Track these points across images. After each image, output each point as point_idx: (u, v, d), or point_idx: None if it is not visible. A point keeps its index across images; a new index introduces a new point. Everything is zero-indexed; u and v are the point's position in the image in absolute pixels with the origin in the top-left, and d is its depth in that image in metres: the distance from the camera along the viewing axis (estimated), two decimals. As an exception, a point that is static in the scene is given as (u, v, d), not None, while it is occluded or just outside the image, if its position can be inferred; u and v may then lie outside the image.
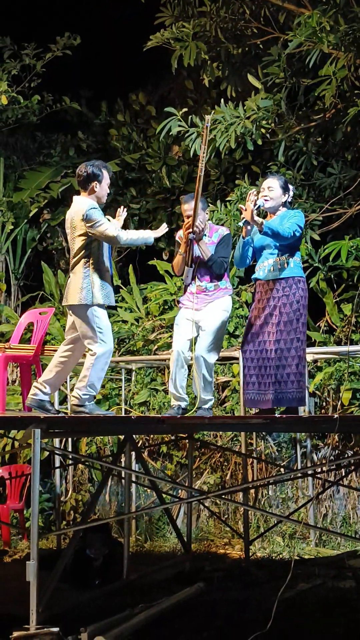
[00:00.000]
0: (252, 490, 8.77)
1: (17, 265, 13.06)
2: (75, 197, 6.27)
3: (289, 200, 6.50)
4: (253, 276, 6.52)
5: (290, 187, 6.52)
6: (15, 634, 5.02)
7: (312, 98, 10.24)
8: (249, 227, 6.33)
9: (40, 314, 7.72)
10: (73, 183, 12.72)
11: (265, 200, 6.40)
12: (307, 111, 10.41)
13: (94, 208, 6.05)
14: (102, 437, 9.71)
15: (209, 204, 9.59)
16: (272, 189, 6.40)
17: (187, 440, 8.43)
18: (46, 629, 5.05)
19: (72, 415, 6.11)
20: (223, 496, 7.75)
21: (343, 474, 8.63)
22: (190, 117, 9.53)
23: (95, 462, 9.02)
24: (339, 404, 8.83)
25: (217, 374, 9.33)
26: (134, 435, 7.18)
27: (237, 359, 8.34)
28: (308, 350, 8.86)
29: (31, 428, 5.36)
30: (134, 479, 8.55)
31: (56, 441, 8.86)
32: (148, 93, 13.80)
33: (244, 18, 10.19)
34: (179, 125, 9.47)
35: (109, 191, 6.27)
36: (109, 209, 6.40)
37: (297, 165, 10.31)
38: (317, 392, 9.12)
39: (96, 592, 6.44)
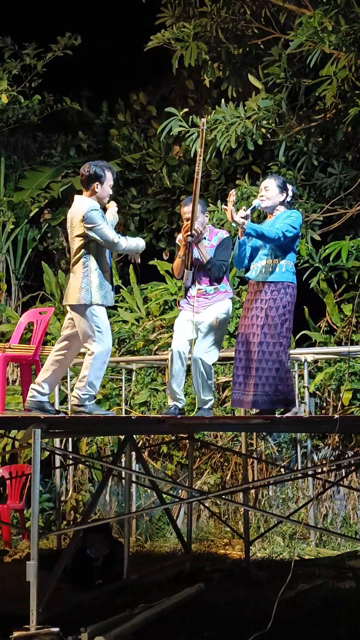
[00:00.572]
0: (253, 491, 8.77)
1: (18, 265, 13.07)
2: (76, 197, 6.26)
3: (289, 200, 6.47)
4: (245, 275, 6.52)
5: (290, 187, 6.49)
6: (16, 633, 5.02)
7: (312, 98, 10.25)
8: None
9: (40, 313, 7.71)
10: (74, 183, 12.73)
11: (262, 200, 6.40)
12: (308, 111, 10.41)
13: (94, 210, 6.03)
14: (102, 437, 9.71)
15: (209, 204, 9.59)
16: (268, 189, 6.40)
17: (187, 441, 8.43)
18: (46, 629, 5.04)
19: (73, 415, 6.10)
20: (223, 496, 7.74)
21: (343, 474, 8.62)
22: (190, 117, 9.53)
23: (96, 462, 9.02)
24: (340, 404, 8.83)
25: (217, 374, 9.33)
26: (134, 436, 7.18)
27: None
28: (308, 350, 8.91)
29: (31, 428, 5.36)
30: (134, 479, 8.55)
31: (56, 441, 8.86)
32: (149, 93, 13.80)
33: (244, 18, 10.19)
34: (180, 126, 9.47)
35: (111, 192, 6.26)
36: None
37: (297, 165, 10.31)
38: (317, 392, 9.12)
39: (96, 592, 6.44)
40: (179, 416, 6.53)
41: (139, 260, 6.42)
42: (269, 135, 9.86)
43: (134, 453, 7.64)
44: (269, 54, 9.83)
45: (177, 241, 6.80)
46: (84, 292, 5.98)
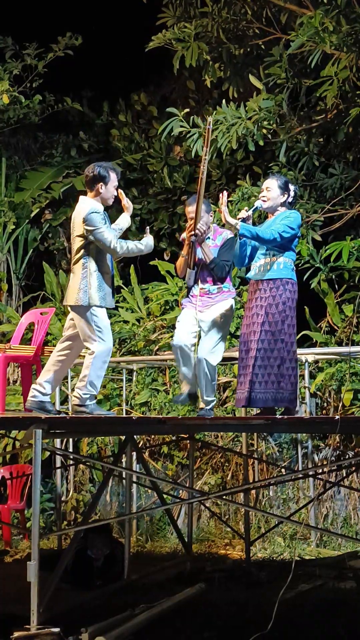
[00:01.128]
0: (253, 491, 8.77)
1: (19, 266, 13.08)
2: (80, 197, 6.27)
3: (290, 200, 6.47)
4: (246, 275, 6.52)
5: (292, 187, 6.49)
6: (16, 634, 5.02)
7: (313, 99, 10.25)
8: None
9: (41, 314, 7.72)
10: (75, 183, 12.75)
11: (263, 200, 6.40)
12: (309, 112, 10.42)
13: (95, 212, 6.03)
14: (103, 437, 9.71)
15: (211, 205, 9.59)
16: (269, 189, 6.40)
17: (188, 441, 8.43)
18: (47, 629, 5.05)
19: (74, 415, 6.11)
20: (224, 497, 7.74)
21: (344, 474, 8.62)
22: (192, 117, 9.54)
23: (96, 463, 9.02)
24: (340, 404, 8.83)
25: (218, 375, 9.32)
26: (135, 436, 7.18)
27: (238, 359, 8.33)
28: (309, 350, 8.89)
29: (32, 428, 5.36)
30: (134, 479, 8.54)
31: (57, 441, 8.86)
32: (150, 93, 13.82)
33: (245, 18, 10.19)
34: (181, 126, 9.47)
35: (115, 193, 6.26)
36: (110, 209, 6.38)
37: (298, 165, 10.31)
38: (318, 392, 9.12)
39: (97, 592, 6.44)
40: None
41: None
42: (269, 136, 9.86)
43: (134, 453, 7.64)
44: (270, 54, 9.83)
45: (180, 240, 6.80)
46: (82, 294, 5.99)
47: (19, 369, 9.76)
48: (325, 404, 9.18)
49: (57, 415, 6.22)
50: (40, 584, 5.16)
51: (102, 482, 7.49)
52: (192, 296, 6.62)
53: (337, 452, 8.86)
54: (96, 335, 6.00)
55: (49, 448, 6.69)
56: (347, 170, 10.38)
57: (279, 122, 9.91)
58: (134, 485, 9.02)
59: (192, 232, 6.41)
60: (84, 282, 6.01)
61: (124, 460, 7.24)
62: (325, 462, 8.74)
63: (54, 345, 6.59)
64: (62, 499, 9.38)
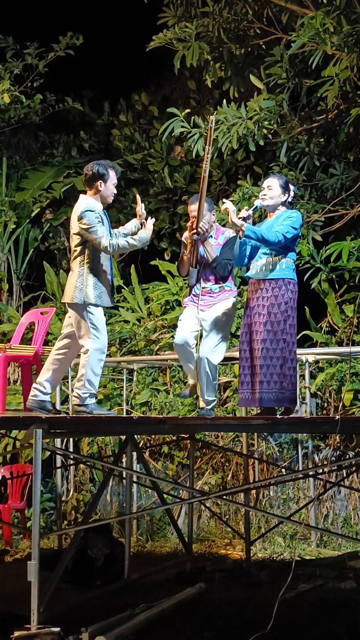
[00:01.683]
0: (253, 491, 8.77)
1: (19, 265, 13.08)
2: (80, 195, 6.29)
3: (290, 200, 6.48)
4: (246, 274, 6.52)
5: (292, 187, 6.50)
6: (17, 633, 5.02)
7: (314, 99, 10.25)
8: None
9: (41, 313, 7.72)
10: (75, 183, 12.75)
11: (263, 199, 6.40)
12: (310, 112, 10.42)
13: (89, 210, 6.03)
14: (103, 437, 9.72)
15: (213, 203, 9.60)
16: (271, 188, 6.40)
17: (188, 441, 8.43)
18: (47, 629, 5.05)
19: (74, 415, 6.11)
20: (224, 497, 7.74)
21: (344, 474, 8.62)
22: (192, 118, 9.54)
23: (97, 462, 9.02)
24: (341, 405, 8.83)
25: (218, 374, 9.32)
26: (135, 436, 7.18)
27: (238, 359, 8.33)
28: (309, 351, 8.89)
29: (33, 428, 5.36)
30: (135, 479, 8.55)
31: (57, 441, 8.86)
32: (151, 93, 13.82)
33: (246, 18, 10.20)
34: (182, 126, 9.48)
35: (115, 191, 6.26)
36: (111, 209, 6.39)
37: (299, 166, 10.31)
38: (318, 393, 9.12)
39: (97, 592, 6.44)
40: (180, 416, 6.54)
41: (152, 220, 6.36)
42: (270, 136, 9.87)
43: (134, 453, 7.64)
44: (270, 54, 9.84)
45: (183, 239, 6.80)
46: (78, 292, 6.00)
47: (19, 368, 9.76)
48: (325, 404, 9.18)
49: (58, 415, 6.22)
50: (41, 583, 5.16)
51: (102, 482, 7.49)
52: (194, 295, 6.62)
53: (338, 452, 8.86)
54: (90, 333, 6.01)
55: (49, 448, 6.70)
56: (347, 171, 10.38)
57: (279, 122, 9.91)
58: (134, 485, 9.02)
59: (195, 231, 6.41)
60: (80, 280, 6.02)
61: (124, 460, 7.24)
62: (325, 462, 8.74)
63: (54, 345, 6.59)
64: (63, 498, 9.38)
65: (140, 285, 11.31)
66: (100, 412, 6.14)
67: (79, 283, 6.01)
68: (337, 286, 10.14)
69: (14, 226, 12.70)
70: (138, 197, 6.33)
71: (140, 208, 6.36)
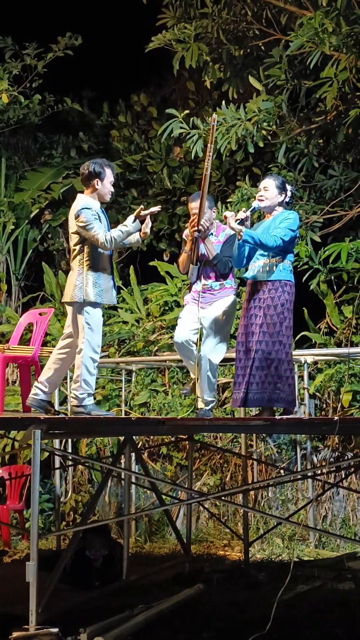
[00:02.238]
0: (252, 492, 8.77)
1: (18, 266, 13.07)
2: (77, 195, 6.30)
3: (287, 200, 6.49)
4: (244, 275, 6.53)
5: (289, 187, 6.51)
6: (15, 634, 5.02)
7: (313, 100, 10.25)
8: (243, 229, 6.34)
9: (40, 314, 7.72)
10: (74, 184, 12.74)
11: (260, 200, 6.41)
12: (309, 113, 10.42)
13: (86, 208, 6.05)
14: (102, 438, 9.71)
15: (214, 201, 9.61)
16: (267, 189, 6.41)
17: (187, 442, 8.43)
18: (46, 630, 5.05)
19: (72, 416, 6.11)
20: (223, 498, 7.74)
21: (343, 475, 8.63)
22: (191, 119, 9.54)
23: (95, 463, 9.01)
24: (339, 405, 8.84)
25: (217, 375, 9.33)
26: (134, 437, 7.18)
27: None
28: (308, 352, 8.90)
29: (31, 429, 5.36)
30: (133, 480, 8.54)
31: (56, 442, 8.86)
32: (150, 94, 13.83)
33: (245, 20, 10.20)
34: (181, 127, 9.48)
35: (112, 189, 6.28)
36: (110, 209, 6.39)
37: (298, 167, 10.31)
38: (317, 394, 9.12)
39: (96, 593, 6.43)
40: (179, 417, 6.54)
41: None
42: (269, 137, 9.87)
43: (133, 454, 7.63)
44: (269, 55, 9.84)
45: (184, 236, 6.80)
46: (78, 290, 6.02)
47: (18, 369, 9.76)
48: (324, 405, 9.18)
49: (56, 416, 6.22)
50: (39, 584, 5.15)
51: (101, 483, 7.49)
52: (194, 292, 6.62)
53: (336, 453, 8.86)
54: (85, 333, 6.02)
55: (47, 448, 6.69)
56: (346, 172, 10.38)
57: (278, 123, 9.92)
58: (133, 486, 9.02)
59: (195, 228, 6.41)
60: (80, 279, 6.03)
61: (122, 461, 7.23)
62: (324, 463, 8.74)
63: (53, 346, 6.61)
64: (61, 499, 9.37)
65: (139, 286, 11.31)
66: (99, 412, 6.14)
67: (79, 281, 6.03)
68: (335, 287, 10.14)
69: (13, 227, 12.70)
70: (141, 208, 6.36)
71: (142, 211, 6.38)
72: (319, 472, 8.52)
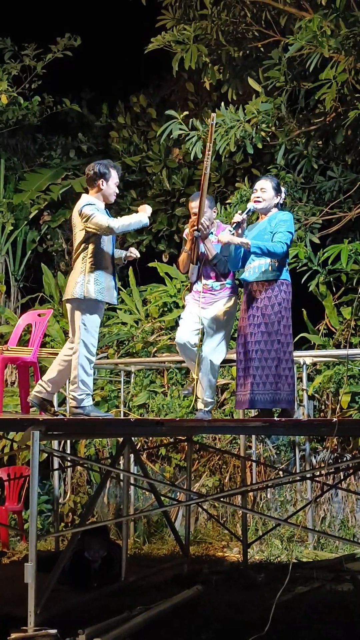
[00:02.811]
0: (251, 493, 8.77)
1: (17, 267, 13.07)
2: (82, 195, 6.33)
3: (281, 202, 6.51)
4: (241, 277, 6.54)
5: (283, 189, 6.54)
6: (14, 635, 5.02)
7: (312, 101, 10.25)
8: (239, 231, 6.35)
9: (39, 315, 7.72)
10: (73, 185, 12.75)
11: (257, 201, 6.42)
12: (308, 114, 10.42)
13: (89, 204, 6.09)
14: (100, 439, 9.71)
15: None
16: (264, 190, 6.42)
17: (186, 443, 8.43)
18: (44, 631, 5.04)
19: (71, 417, 6.11)
20: (221, 499, 7.74)
21: (341, 477, 8.63)
22: (191, 120, 9.54)
23: (94, 464, 9.02)
24: (338, 407, 8.84)
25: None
26: (132, 438, 7.18)
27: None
28: (307, 353, 8.90)
29: (30, 430, 5.36)
30: (132, 481, 8.55)
31: (55, 443, 8.86)
32: (149, 95, 13.83)
33: (245, 21, 10.20)
34: (180, 129, 9.48)
35: (117, 190, 6.30)
36: (109, 210, 6.39)
37: (297, 168, 10.31)
38: (316, 395, 9.12)
39: (94, 594, 6.43)
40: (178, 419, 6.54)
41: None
42: (268, 139, 9.87)
43: (132, 455, 7.64)
44: (269, 57, 9.84)
45: (184, 235, 6.80)
46: (79, 287, 6.04)
47: (17, 370, 9.76)
48: (323, 407, 9.19)
49: (55, 417, 6.23)
50: (38, 585, 5.15)
51: (99, 484, 7.49)
52: (195, 292, 6.62)
53: (335, 454, 8.86)
54: (81, 332, 6.04)
55: (46, 450, 6.69)
56: (345, 173, 10.39)
57: (277, 124, 9.92)
58: (132, 487, 9.02)
59: (195, 227, 6.41)
60: (82, 276, 6.06)
61: (121, 462, 7.24)
62: (322, 465, 8.75)
63: (52, 347, 6.62)
64: (60, 500, 9.37)
65: (138, 287, 11.31)
66: (98, 414, 6.15)
67: (80, 279, 6.06)
68: (334, 289, 10.15)
69: (12, 228, 12.70)
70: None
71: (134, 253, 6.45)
72: (318, 473, 8.52)
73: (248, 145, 9.51)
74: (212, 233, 6.59)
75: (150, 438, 9.57)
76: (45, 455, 9.05)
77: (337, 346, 9.50)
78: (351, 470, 8.49)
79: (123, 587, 6.65)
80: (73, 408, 6.07)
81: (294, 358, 8.46)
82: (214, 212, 6.69)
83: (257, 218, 6.57)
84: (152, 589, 6.58)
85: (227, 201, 10.24)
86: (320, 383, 9.00)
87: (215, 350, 6.45)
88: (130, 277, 11.35)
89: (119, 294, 6.44)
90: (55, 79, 13.15)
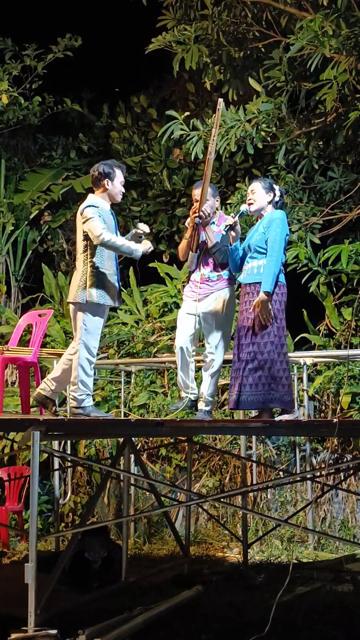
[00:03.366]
0: (251, 494, 8.77)
1: (18, 267, 13.07)
2: (88, 195, 6.34)
3: (277, 200, 6.49)
4: (237, 279, 6.54)
5: (276, 187, 6.53)
6: (14, 635, 5.02)
7: (313, 102, 10.24)
8: (233, 234, 6.35)
9: (39, 315, 7.72)
10: (74, 185, 12.74)
11: (250, 204, 6.43)
12: (308, 115, 10.41)
13: (92, 206, 6.09)
14: (101, 439, 9.71)
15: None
16: (254, 191, 6.44)
17: (186, 443, 8.42)
18: (44, 631, 5.04)
19: (71, 417, 6.12)
20: (222, 499, 7.74)
21: (342, 477, 8.63)
22: (191, 120, 9.54)
23: (94, 465, 9.01)
24: (339, 407, 8.84)
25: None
26: (133, 438, 7.18)
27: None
28: (307, 353, 8.90)
29: (30, 430, 5.36)
30: (132, 481, 8.54)
31: (55, 443, 8.86)
32: (149, 96, 13.83)
33: (245, 21, 10.19)
34: (180, 129, 9.48)
35: (122, 190, 6.30)
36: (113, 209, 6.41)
37: (297, 168, 10.31)
38: (316, 395, 9.12)
39: (94, 594, 6.43)
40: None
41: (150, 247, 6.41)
42: (269, 139, 9.86)
43: (132, 456, 7.64)
44: (269, 57, 9.84)
45: (185, 223, 6.78)
46: (81, 290, 6.05)
47: (17, 370, 9.76)
48: (323, 407, 9.18)
49: (55, 417, 6.23)
50: (38, 585, 5.15)
51: (99, 484, 7.50)
52: (192, 283, 6.60)
53: (335, 455, 8.86)
54: (81, 334, 6.04)
55: (46, 450, 6.70)
56: (346, 174, 10.38)
57: (278, 125, 9.91)
58: (132, 487, 9.01)
59: (197, 214, 6.39)
60: (83, 279, 6.07)
61: (121, 462, 7.23)
62: (323, 465, 8.74)
63: (53, 347, 6.63)
64: (60, 501, 9.36)
65: (139, 288, 11.31)
66: (98, 414, 6.15)
67: (82, 282, 6.06)
68: (335, 289, 10.14)
69: (12, 228, 12.69)
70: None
71: (143, 228, 6.41)
72: (318, 474, 8.52)
73: (248, 146, 9.51)
74: (213, 222, 6.57)
75: (151, 438, 9.56)
76: (46, 455, 9.05)
77: (338, 347, 9.50)
78: (351, 471, 8.49)
79: (123, 588, 6.66)
80: (73, 408, 6.08)
81: (294, 358, 8.53)
82: (217, 201, 6.67)
83: (257, 219, 6.57)
84: (152, 590, 6.58)
85: (228, 201, 10.23)
86: (320, 383, 9.00)
87: (217, 348, 6.45)
88: (131, 277, 11.35)
89: (121, 294, 6.42)
90: (56, 79, 13.15)
